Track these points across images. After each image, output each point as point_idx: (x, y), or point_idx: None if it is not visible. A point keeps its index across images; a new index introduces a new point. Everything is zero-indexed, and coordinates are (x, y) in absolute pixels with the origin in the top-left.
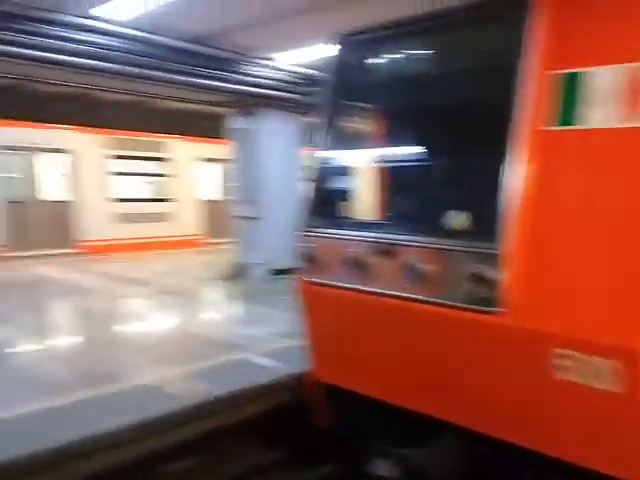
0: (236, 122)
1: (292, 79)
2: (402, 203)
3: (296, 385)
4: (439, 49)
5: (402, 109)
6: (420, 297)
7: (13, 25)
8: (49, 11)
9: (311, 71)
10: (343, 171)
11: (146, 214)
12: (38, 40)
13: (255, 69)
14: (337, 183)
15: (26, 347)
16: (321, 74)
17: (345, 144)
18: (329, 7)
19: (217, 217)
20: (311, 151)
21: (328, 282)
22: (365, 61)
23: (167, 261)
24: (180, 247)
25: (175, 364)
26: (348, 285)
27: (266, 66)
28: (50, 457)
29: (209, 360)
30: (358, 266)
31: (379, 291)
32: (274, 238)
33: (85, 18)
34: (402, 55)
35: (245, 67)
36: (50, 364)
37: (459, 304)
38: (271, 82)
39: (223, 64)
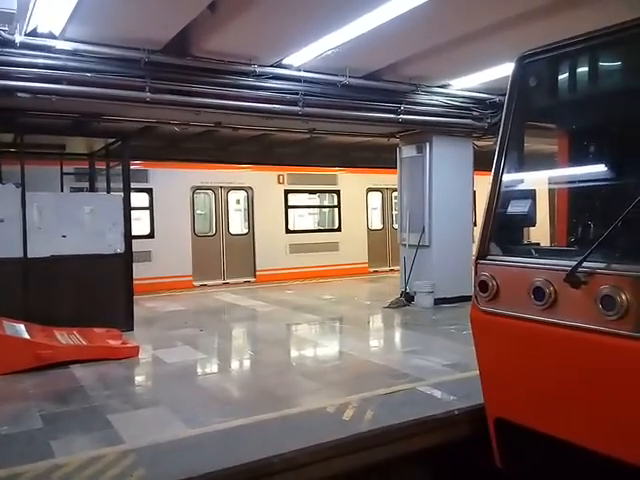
0: (405, 151)
1: (463, 104)
2: (595, 227)
3: (468, 419)
4: (632, 62)
5: (592, 126)
6: (623, 331)
7: (209, 79)
8: (240, 64)
9: (483, 94)
10: (524, 195)
11: (314, 244)
12: (232, 91)
13: (426, 98)
14: (517, 208)
15: (209, 369)
16: (495, 97)
17: (526, 166)
18: (502, 30)
19: (378, 246)
20: (485, 175)
21: (505, 312)
22: (546, 80)
23: (334, 289)
24: (345, 275)
25: (347, 391)
26: (529, 315)
27: (437, 93)
28: (234, 475)
29: (380, 388)
30: (541, 295)
31: (567, 323)
32: (442, 266)
33: (271, 67)
34: (588, 71)
35: (416, 96)
36: (231, 385)
37: None
38: (442, 109)
39: (394, 96)
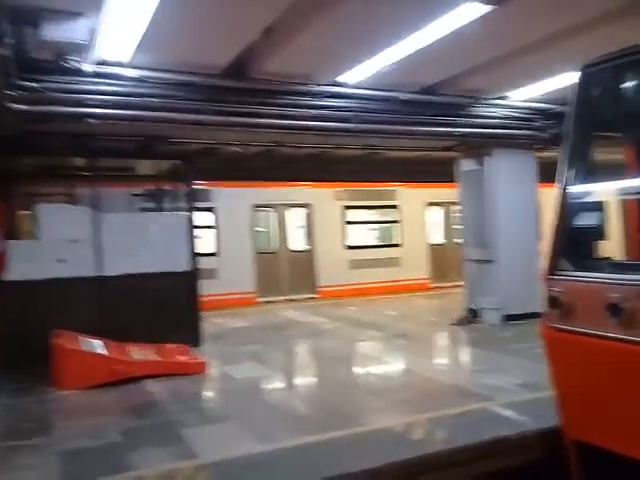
0: (465, 164)
1: (524, 115)
2: None
3: (543, 442)
4: None
5: None
6: None
7: (267, 100)
8: (296, 84)
9: (544, 105)
10: (595, 207)
11: (374, 260)
12: (289, 110)
13: (485, 110)
14: (587, 220)
15: (276, 385)
16: (557, 106)
17: (595, 177)
18: (562, 40)
19: (440, 261)
20: (550, 188)
21: (579, 329)
22: (611, 88)
23: (396, 305)
24: (406, 291)
25: (414, 409)
26: (605, 333)
27: (495, 105)
28: None
29: (448, 408)
30: (619, 312)
31: None
32: (508, 282)
33: (326, 85)
34: None
35: (474, 109)
36: (298, 402)
37: None
38: (501, 121)
39: (451, 109)
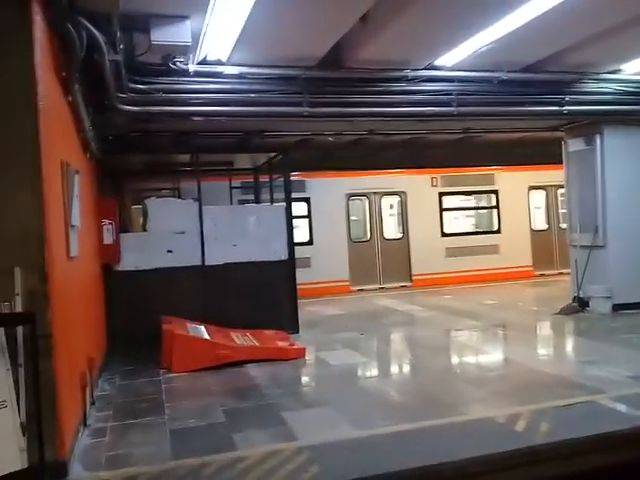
0: (573, 144)
1: (639, 89)
2: None
3: None
4: None
5: None
6: None
7: (362, 88)
8: (392, 70)
9: None
10: None
11: (471, 247)
12: (385, 98)
13: (595, 85)
14: None
15: (372, 372)
16: None
17: None
18: None
19: (543, 247)
20: None
21: None
22: None
23: (495, 294)
24: (507, 279)
25: (516, 401)
26: None
27: (606, 80)
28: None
29: (554, 400)
30: None
31: None
32: (619, 269)
33: (423, 70)
34: None
35: (583, 85)
36: (394, 389)
37: None
38: (613, 96)
39: (557, 87)
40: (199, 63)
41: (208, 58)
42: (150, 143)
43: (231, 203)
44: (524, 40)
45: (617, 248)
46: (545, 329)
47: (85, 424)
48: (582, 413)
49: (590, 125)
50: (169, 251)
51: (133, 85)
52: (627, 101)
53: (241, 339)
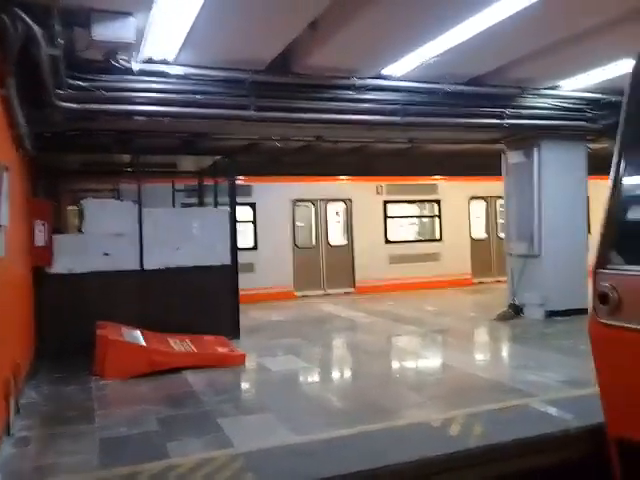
0: (512, 156)
1: (575, 105)
2: None
3: (587, 439)
4: None
5: None
6: None
7: (310, 94)
8: (340, 78)
9: (597, 95)
10: None
11: (414, 255)
12: (333, 105)
13: (534, 100)
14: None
15: (313, 378)
16: (610, 96)
17: None
18: (615, 27)
19: (482, 256)
20: (599, 180)
21: (629, 325)
22: None
23: (436, 301)
24: (447, 286)
25: (452, 405)
26: None
27: (545, 95)
28: None
29: (489, 404)
30: None
31: None
32: (553, 277)
33: (371, 79)
34: None
35: (523, 100)
36: (334, 395)
37: None
38: (551, 112)
39: (499, 100)
40: (144, 62)
41: (153, 57)
42: (89, 142)
43: (174, 206)
44: (469, 54)
45: (551, 257)
46: (482, 335)
47: (8, 433)
48: (515, 416)
49: (529, 138)
50: (106, 254)
51: (73, 81)
52: (564, 116)
53: (179, 345)
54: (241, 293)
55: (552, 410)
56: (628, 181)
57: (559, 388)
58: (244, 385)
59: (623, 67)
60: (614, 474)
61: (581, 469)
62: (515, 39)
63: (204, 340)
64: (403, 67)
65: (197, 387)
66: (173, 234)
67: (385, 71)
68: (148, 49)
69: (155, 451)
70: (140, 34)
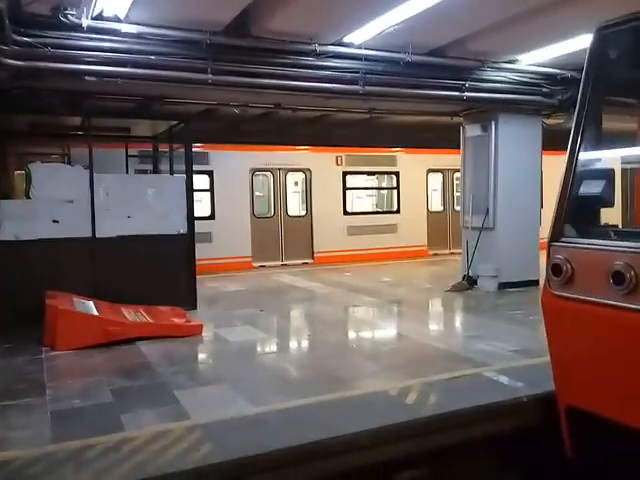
0: (470, 130)
1: (532, 80)
2: None
3: (537, 407)
4: None
5: None
6: None
7: (270, 59)
8: (301, 43)
9: (554, 70)
10: (602, 174)
11: (372, 226)
12: (293, 71)
13: (493, 74)
14: (594, 188)
15: (270, 348)
16: (566, 72)
17: (604, 144)
18: (572, 2)
19: (438, 228)
20: (554, 155)
21: (581, 297)
22: (628, 52)
23: (392, 272)
24: (404, 258)
25: (408, 374)
26: (605, 300)
27: (504, 69)
28: (292, 455)
29: (443, 373)
30: (621, 280)
31: None
32: (506, 249)
33: (332, 45)
34: None
35: (482, 73)
36: (291, 365)
37: None
38: (509, 85)
39: (458, 73)
40: (94, 18)
41: (104, 13)
42: (37, 103)
43: (127, 172)
44: (429, 24)
45: (505, 230)
46: (436, 306)
47: None
48: (468, 385)
49: (487, 112)
50: (55, 221)
51: (18, 37)
52: (522, 91)
53: (133, 315)
54: (198, 263)
55: (504, 379)
56: (584, 156)
57: (511, 357)
58: (201, 356)
59: (580, 42)
60: (564, 442)
61: (533, 437)
62: (475, 10)
63: (160, 311)
64: (364, 34)
65: (152, 358)
66: (127, 201)
67: (346, 38)
68: (99, 4)
69: (109, 423)
70: None
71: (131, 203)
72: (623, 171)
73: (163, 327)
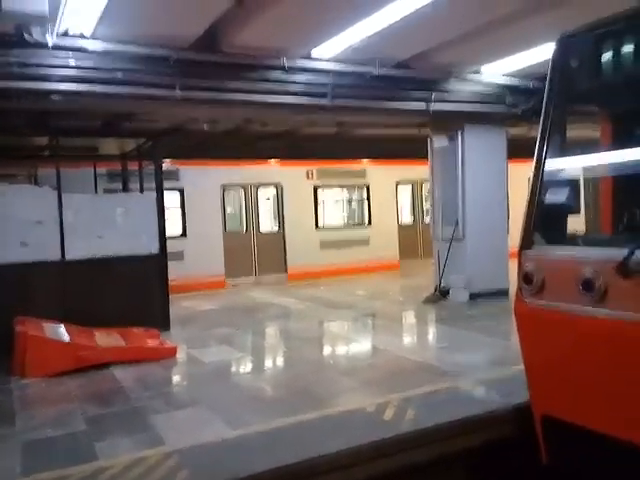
0: (436, 141)
1: (496, 91)
2: None
3: (512, 418)
4: None
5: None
6: None
7: (238, 74)
8: (269, 57)
9: (517, 80)
10: (568, 182)
11: (344, 240)
12: (261, 85)
13: (458, 85)
14: (562, 196)
15: (246, 368)
16: (529, 82)
17: (569, 152)
18: (537, 13)
19: (409, 240)
20: (519, 164)
21: (552, 305)
22: (590, 61)
23: (366, 285)
24: (377, 271)
25: (385, 389)
26: (576, 309)
27: (468, 81)
28: (274, 477)
29: (420, 387)
30: (591, 287)
31: (618, 316)
32: (476, 260)
33: (300, 59)
34: (635, 50)
35: (448, 85)
36: (269, 385)
37: None
38: (474, 96)
39: (425, 85)
40: (60, 36)
41: (70, 31)
42: (2, 123)
43: (96, 192)
44: (395, 37)
45: (474, 241)
46: (410, 318)
47: None
48: (444, 399)
49: (453, 123)
50: (23, 244)
51: None
52: (486, 101)
53: (106, 339)
54: (171, 283)
55: (480, 390)
56: (550, 164)
57: (486, 368)
58: (175, 379)
59: (542, 53)
60: (540, 450)
61: (510, 447)
62: (439, 24)
63: (133, 333)
64: (332, 49)
65: (126, 383)
66: (96, 222)
67: (314, 52)
68: (64, 22)
69: (83, 453)
70: (56, 5)
71: (101, 223)
72: (589, 179)
73: (136, 350)
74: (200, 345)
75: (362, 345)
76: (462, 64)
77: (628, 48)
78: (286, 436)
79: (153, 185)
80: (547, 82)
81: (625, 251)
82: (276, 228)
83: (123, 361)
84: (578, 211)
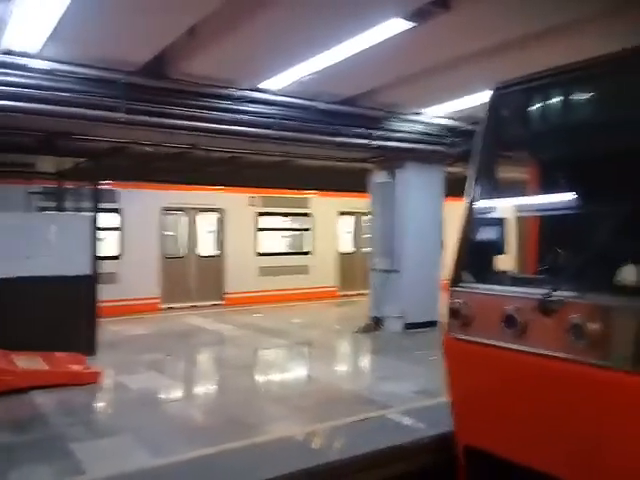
0: (378, 176)
1: (436, 132)
2: (565, 256)
3: (437, 447)
4: (602, 96)
5: (565, 157)
6: (593, 360)
7: (185, 101)
8: (217, 87)
9: (455, 122)
10: (496, 222)
11: (284, 267)
12: (208, 113)
13: (400, 124)
14: (490, 235)
15: (175, 395)
16: (466, 125)
17: (498, 194)
18: (476, 60)
19: (349, 269)
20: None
21: (476, 339)
22: (520, 110)
23: (303, 313)
24: (315, 299)
25: (316, 418)
26: (499, 343)
27: (410, 121)
28: None
29: (349, 416)
30: (513, 323)
31: (538, 351)
32: (410, 291)
33: (248, 90)
34: (561, 103)
35: (390, 123)
36: (198, 412)
37: (633, 369)
38: (415, 136)
39: (368, 122)
40: (2, 53)
41: (14, 49)
42: None
43: (30, 210)
44: (342, 75)
45: (409, 272)
46: (345, 347)
47: None
48: (372, 428)
49: (393, 160)
50: None
51: None
52: (426, 141)
53: (26, 362)
54: (103, 305)
55: (407, 420)
56: (479, 205)
57: (414, 398)
58: (99, 405)
59: (480, 98)
60: None
61: (433, 476)
62: (383, 65)
63: (56, 357)
64: (280, 82)
65: (45, 409)
66: (25, 241)
67: (263, 85)
68: (8, 40)
69: None
70: (1, 23)
71: (30, 243)
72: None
73: (58, 375)
74: (128, 371)
75: (295, 373)
76: (405, 105)
77: (555, 101)
78: (212, 465)
79: (89, 205)
80: (480, 127)
81: (545, 290)
82: (216, 253)
83: (43, 386)
84: (503, 252)
